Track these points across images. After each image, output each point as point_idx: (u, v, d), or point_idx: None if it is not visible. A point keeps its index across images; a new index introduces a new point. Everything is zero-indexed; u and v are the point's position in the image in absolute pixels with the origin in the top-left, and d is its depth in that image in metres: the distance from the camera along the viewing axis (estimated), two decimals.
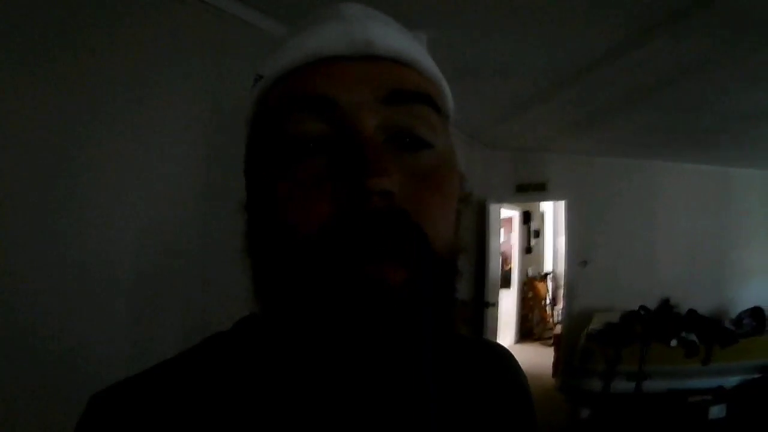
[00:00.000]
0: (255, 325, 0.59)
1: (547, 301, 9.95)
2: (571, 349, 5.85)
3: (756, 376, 5.38)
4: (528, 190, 6.71)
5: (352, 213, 0.45)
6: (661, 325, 5.51)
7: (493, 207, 6.43)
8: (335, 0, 0.58)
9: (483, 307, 6.09)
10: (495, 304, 6.36)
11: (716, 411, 5.10)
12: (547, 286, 10.18)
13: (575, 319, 6.37)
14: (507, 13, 2.57)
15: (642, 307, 5.54)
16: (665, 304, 6.25)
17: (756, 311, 5.97)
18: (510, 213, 9.54)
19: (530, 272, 10.35)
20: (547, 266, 10.42)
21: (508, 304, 9.16)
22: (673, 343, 5.37)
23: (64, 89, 1.88)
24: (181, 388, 0.52)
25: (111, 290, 2.05)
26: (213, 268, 2.42)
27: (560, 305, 8.17)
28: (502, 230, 9.52)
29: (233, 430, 0.50)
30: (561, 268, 7.74)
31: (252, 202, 0.56)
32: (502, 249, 9.22)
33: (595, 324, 5.74)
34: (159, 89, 2.24)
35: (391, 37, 0.53)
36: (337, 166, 0.47)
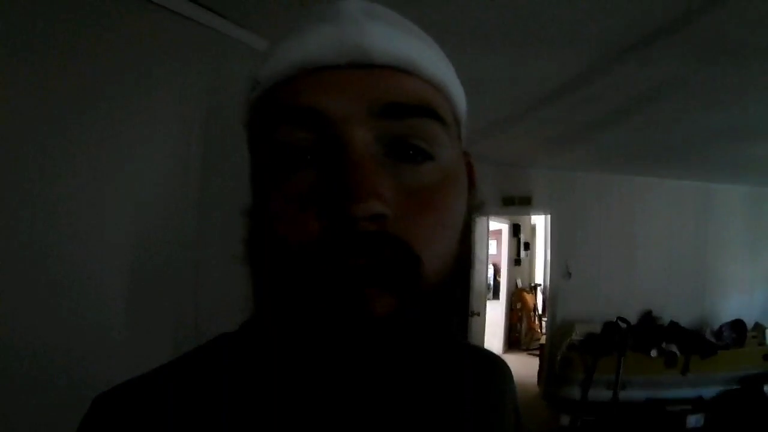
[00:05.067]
0: (263, 327, 0.57)
1: (538, 313, 9.99)
2: (553, 358, 5.96)
3: (735, 387, 5.47)
4: (513, 204, 6.78)
5: (337, 238, 0.43)
6: (642, 336, 5.59)
7: (478, 221, 6.45)
8: None
9: (467, 316, 6.15)
10: (480, 314, 6.44)
11: (694, 420, 5.17)
12: (536, 297, 10.24)
13: (558, 330, 6.45)
14: (479, 35, 2.63)
15: (620, 318, 5.61)
16: (647, 316, 6.32)
17: (737, 324, 6.06)
18: (499, 225, 9.60)
19: (520, 284, 10.37)
20: (538, 278, 10.45)
21: (496, 314, 9.19)
22: (653, 353, 5.45)
23: (51, 90, 1.82)
24: (185, 389, 0.51)
25: (103, 294, 2.01)
26: (206, 271, 2.39)
27: None
28: (494, 242, 9.62)
29: (238, 430, 0.50)
30: None
31: (251, 210, 0.54)
32: (493, 261, 9.29)
33: (577, 334, 5.83)
34: (151, 92, 2.21)
35: (390, 41, 0.49)
36: (324, 186, 0.45)
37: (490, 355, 0.77)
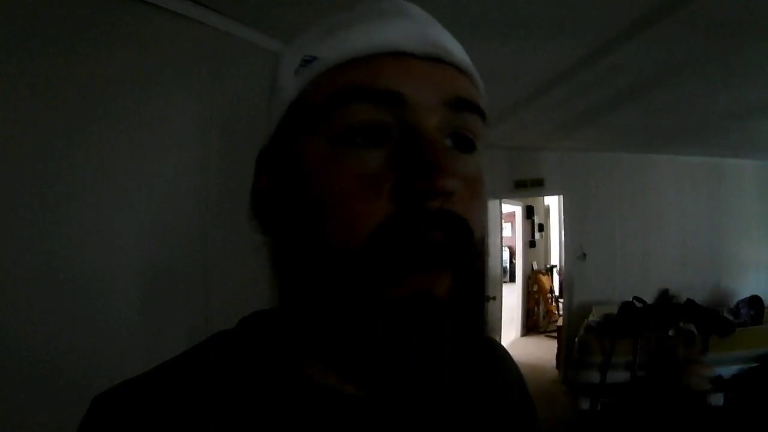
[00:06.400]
0: (262, 323, 0.59)
1: (555, 294, 10.00)
2: (571, 342, 5.94)
3: (753, 365, 5.43)
4: (526, 186, 6.78)
5: (417, 212, 0.46)
6: (659, 316, 5.56)
7: (490, 203, 6.51)
8: None
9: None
10: (495, 298, 6.46)
11: (714, 400, 5.13)
12: (552, 279, 10.23)
13: (575, 313, 6.44)
14: (486, 24, 2.65)
15: (636, 298, 5.57)
16: (664, 295, 6.27)
17: (754, 300, 6.00)
18: (513, 208, 9.58)
19: (536, 266, 10.37)
20: (554, 260, 10.44)
21: (512, 297, 9.20)
22: (671, 333, 5.42)
23: (63, 91, 1.87)
24: (184, 388, 0.51)
25: (113, 293, 2.04)
26: (215, 269, 2.43)
27: None
28: (509, 225, 9.61)
29: (237, 430, 0.51)
30: None
31: (285, 194, 0.54)
32: (507, 244, 9.28)
33: (595, 316, 5.81)
34: (160, 92, 2.25)
35: (453, 45, 0.54)
36: (401, 163, 0.47)
37: (496, 347, 0.78)
